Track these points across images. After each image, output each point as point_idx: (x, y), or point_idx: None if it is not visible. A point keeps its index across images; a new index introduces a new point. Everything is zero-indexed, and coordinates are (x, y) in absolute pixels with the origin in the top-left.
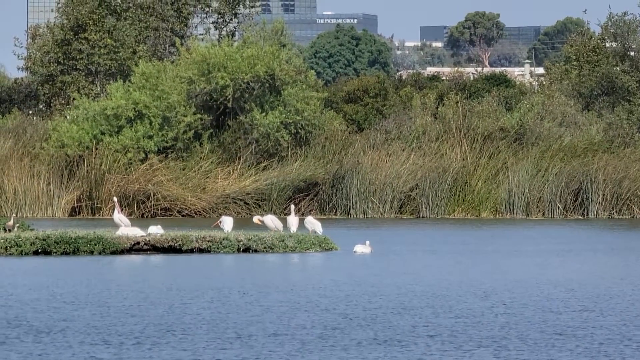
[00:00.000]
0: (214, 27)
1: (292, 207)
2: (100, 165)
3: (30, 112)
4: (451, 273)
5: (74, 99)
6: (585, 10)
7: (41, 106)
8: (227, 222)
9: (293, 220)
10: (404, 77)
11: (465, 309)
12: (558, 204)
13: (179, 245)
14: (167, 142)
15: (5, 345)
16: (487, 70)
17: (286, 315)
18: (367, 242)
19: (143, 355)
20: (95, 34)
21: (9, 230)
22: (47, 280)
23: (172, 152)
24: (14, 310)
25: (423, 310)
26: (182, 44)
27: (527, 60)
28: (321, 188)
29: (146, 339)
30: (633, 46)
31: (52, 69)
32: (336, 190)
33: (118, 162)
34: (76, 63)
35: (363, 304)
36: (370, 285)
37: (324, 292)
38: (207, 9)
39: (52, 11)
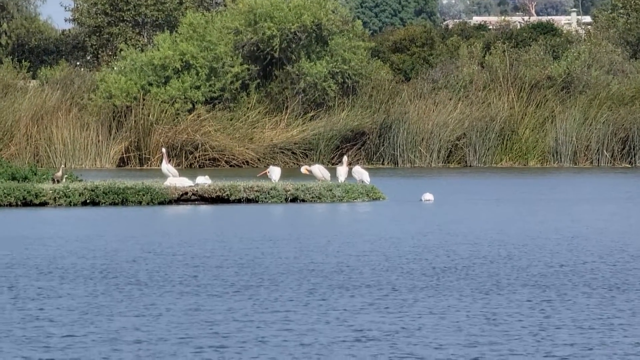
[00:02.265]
0: None
1: (345, 158)
2: (148, 116)
3: (78, 63)
4: (528, 222)
5: (121, 50)
6: None
7: (88, 57)
8: (274, 172)
9: (342, 170)
10: (450, 27)
11: (556, 257)
12: (605, 152)
13: (227, 195)
14: (214, 93)
15: (109, 295)
16: (534, 19)
17: (382, 265)
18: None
19: (252, 304)
20: None
21: (58, 181)
22: (121, 230)
23: (219, 102)
24: (102, 260)
25: (519, 259)
26: None
27: (573, 9)
28: (368, 137)
29: (247, 288)
30: None
31: (99, 20)
32: (383, 140)
33: (166, 113)
34: (123, 14)
35: (457, 252)
36: (454, 234)
37: (418, 241)
38: None
39: None
